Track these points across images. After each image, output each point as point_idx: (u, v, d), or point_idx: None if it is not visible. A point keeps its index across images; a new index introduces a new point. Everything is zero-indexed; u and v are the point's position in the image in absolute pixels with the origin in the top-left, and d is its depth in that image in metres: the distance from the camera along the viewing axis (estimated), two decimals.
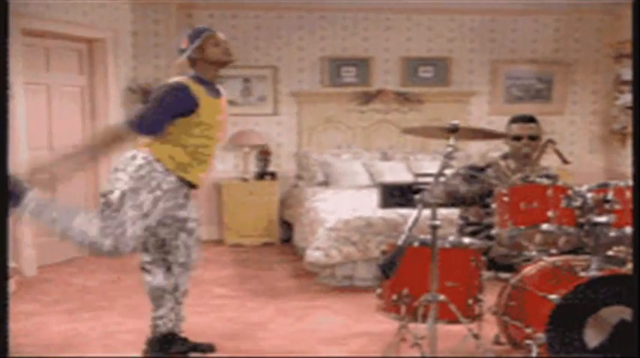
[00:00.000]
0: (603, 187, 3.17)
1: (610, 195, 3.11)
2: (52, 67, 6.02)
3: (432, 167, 6.13)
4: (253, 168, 7.19)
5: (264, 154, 7.15)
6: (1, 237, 2.84)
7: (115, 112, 6.47)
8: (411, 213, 3.05)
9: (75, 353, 3.77)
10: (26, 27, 5.48)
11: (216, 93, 3.59)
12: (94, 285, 5.32)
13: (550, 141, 7.03)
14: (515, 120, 3.95)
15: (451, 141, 3.14)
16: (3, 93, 3.06)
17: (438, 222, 3.10)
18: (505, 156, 4.02)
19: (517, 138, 3.89)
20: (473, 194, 3.86)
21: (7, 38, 3.04)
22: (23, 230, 5.52)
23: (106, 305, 4.75)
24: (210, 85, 3.55)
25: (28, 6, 5.48)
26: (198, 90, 3.45)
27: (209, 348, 3.77)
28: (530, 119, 3.94)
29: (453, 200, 3.93)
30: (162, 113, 3.44)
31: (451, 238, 3.55)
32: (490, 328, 3.61)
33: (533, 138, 3.91)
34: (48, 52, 5.97)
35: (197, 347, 3.76)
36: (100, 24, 6.28)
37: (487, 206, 3.66)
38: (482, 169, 4.00)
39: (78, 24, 6.05)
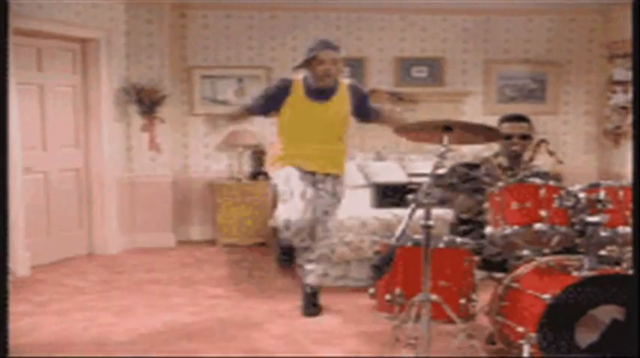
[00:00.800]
0: (596, 187, 3.19)
1: (602, 195, 3.12)
2: (45, 66, 6.00)
3: (426, 167, 6.13)
4: (247, 168, 7.18)
5: (258, 154, 7.14)
6: (1, 237, 2.83)
7: (108, 112, 6.46)
8: (404, 213, 3.05)
9: (68, 354, 3.76)
10: (19, 27, 5.45)
11: (321, 98, 4.35)
12: (87, 286, 5.30)
13: (543, 141, 7.05)
14: (506, 119, 3.98)
15: (444, 140, 3.15)
16: (3, 94, 3.05)
17: (431, 222, 3.10)
18: (497, 154, 4.05)
19: (508, 137, 3.92)
20: (468, 205, 3.87)
21: (7, 38, 3.03)
22: (16, 230, 5.50)
23: (99, 305, 4.74)
24: (317, 89, 4.32)
25: (20, 5, 5.46)
26: (297, 89, 4.33)
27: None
28: (521, 118, 3.97)
29: (449, 205, 3.95)
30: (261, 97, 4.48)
31: (444, 238, 3.55)
32: (483, 328, 3.62)
33: (524, 137, 3.94)
34: (40, 52, 5.96)
35: None
36: (93, 24, 6.26)
37: (479, 203, 3.67)
38: (476, 166, 4.01)
39: (71, 24, 6.03)
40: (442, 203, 3.88)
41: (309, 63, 4.27)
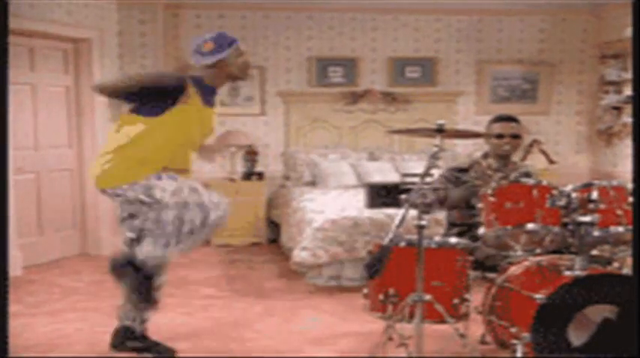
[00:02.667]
0: (588, 187, 3.20)
1: (594, 195, 3.14)
2: (37, 66, 5.98)
3: (419, 167, 6.13)
4: (240, 168, 7.18)
5: (251, 154, 7.14)
6: (1, 237, 2.82)
7: (101, 112, 6.44)
8: (397, 213, 3.06)
9: (60, 354, 3.75)
10: (11, 26, 5.42)
11: (211, 103, 3.65)
12: (80, 286, 5.29)
13: (536, 141, 7.08)
14: (497, 119, 4.01)
15: (437, 141, 3.16)
16: (3, 94, 3.04)
17: (424, 222, 3.11)
18: (486, 156, 4.07)
19: (499, 136, 3.94)
20: (461, 196, 3.89)
21: (7, 38, 3.02)
22: (8, 230, 5.47)
23: (92, 305, 4.73)
24: (210, 93, 3.61)
25: (12, 5, 5.42)
26: (193, 92, 3.50)
27: (167, 351, 3.69)
28: (512, 118, 4.00)
29: (443, 206, 3.97)
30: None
31: (437, 238, 3.56)
32: (476, 328, 3.63)
33: (515, 136, 3.96)
34: (33, 52, 5.94)
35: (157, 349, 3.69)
36: (86, 23, 6.24)
37: (472, 207, 3.69)
38: (465, 170, 4.04)
39: (63, 23, 6.01)
40: (439, 204, 3.91)
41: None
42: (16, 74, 5.66)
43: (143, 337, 3.69)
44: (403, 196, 3.13)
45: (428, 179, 3.12)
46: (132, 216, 3.61)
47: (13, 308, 4.60)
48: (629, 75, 6.80)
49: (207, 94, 3.60)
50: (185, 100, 3.45)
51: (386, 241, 2.99)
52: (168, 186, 3.47)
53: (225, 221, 3.72)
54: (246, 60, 3.64)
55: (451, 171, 4.06)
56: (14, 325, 4.24)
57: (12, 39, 5.51)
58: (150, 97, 3.41)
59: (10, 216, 5.51)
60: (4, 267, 2.84)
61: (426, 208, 3.10)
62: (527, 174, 3.94)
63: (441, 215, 4.36)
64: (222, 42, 3.58)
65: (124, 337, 3.66)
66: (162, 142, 3.48)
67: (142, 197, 3.47)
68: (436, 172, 3.65)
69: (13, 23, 5.46)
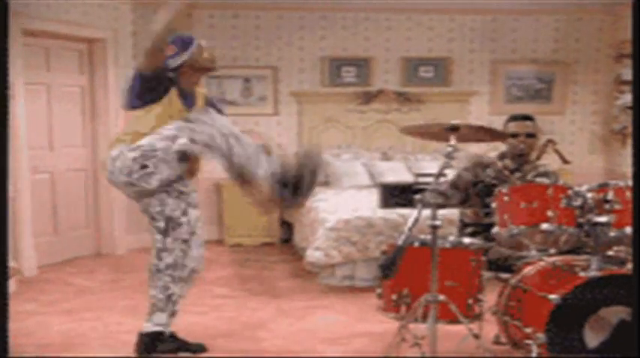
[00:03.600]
0: (603, 187, 3.18)
1: (610, 195, 3.11)
2: (52, 67, 6.02)
3: (433, 167, 6.14)
4: None
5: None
6: (1, 237, 2.83)
7: (115, 112, 6.47)
8: (411, 213, 3.05)
9: (75, 353, 3.77)
10: (26, 27, 5.48)
11: (191, 104, 3.65)
12: (94, 285, 5.32)
13: (550, 141, 7.04)
14: (513, 118, 4.00)
15: (451, 140, 3.15)
16: (3, 94, 3.06)
17: (438, 222, 3.10)
18: (502, 156, 4.04)
19: (514, 135, 3.92)
20: (475, 180, 3.90)
21: (7, 38, 3.04)
22: (23, 230, 5.52)
23: (106, 305, 4.75)
24: (189, 96, 3.64)
25: (28, 6, 5.48)
26: (173, 93, 3.56)
27: (199, 348, 3.76)
28: (527, 117, 3.98)
29: (456, 193, 3.97)
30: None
31: (451, 238, 3.55)
32: (490, 328, 3.61)
33: (530, 135, 3.94)
34: (48, 52, 5.97)
35: (187, 347, 3.74)
36: (100, 24, 6.28)
37: (487, 206, 3.67)
38: (486, 166, 4.02)
39: (78, 24, 6.05)
40: (463, 202, 3.92)
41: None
42: (31, 74, 5.71)
43: (173, 337, 3.72)
44: (416, 196, 3.12)
45: (443, 178, 3.11)
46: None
47: (27, 306, 4.64)
48: None
49: (186, 98, 3.62)
50: (165, 97, 3.53)
51: (400, 241, 2.98)
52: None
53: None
54: (209, 53, 3.69)
55: (475, 167, 4.04)
56: (29, 324, 4.27)
57: (27, 39, 5.58)
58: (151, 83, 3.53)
59: (25, 215, 5.56)
60: (5, 267, 2.86)
61: (442, 200, 3.10)
62: (547, 174, 3.91)
63: (454, 214, 4.34)
64: (182, 43, 3.66)
65: (154, 341, 3.65)
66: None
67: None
68: (451, 172, 3.66)
69: (29, 24, 5.53)
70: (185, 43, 3.64)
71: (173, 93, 3.55)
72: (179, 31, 3.74)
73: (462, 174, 4.04)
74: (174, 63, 3.61)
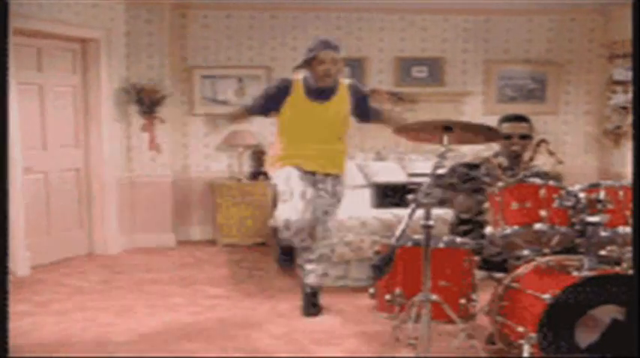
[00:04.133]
0: (596, 187, 3.19)
1: (602, 195, 3.12)
2: (45, 66, 6.00)
3: (426, 167, 6.15)
4: (247, 168, 7.18)
5: (258, 154, 7.14)
6: (2, 237, 2.83)
7: (108, 112, 6.46)
8: (404, 213, 3.05)
9: (68, 354, 3.76)
10: (18, 26, 5.45)
11: (321, 98, 4.34)
12: (87, 286, 5.30)
13: (543, 141, 7.05)
14: (506, 119, 3.99)
15: (445, 141, 3.15)
16: (3, 94, 3.05)
17: (431, 222, 3.10)
18: (497, 154, 4.05)
19: (508, 136, 3.92)
20: (466, 206, 3.86)
21: (7, 38, 3.03)
22: (16, 230, 5.50)
23: (99, 305, 4.74)
24: (317, 89, 4.30)
25: (20, 5, 5.46)
26: (297, 89, 4.31)
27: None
28: (521, 118, 3.97)
29: (448, 207, 3.96)
30: (261, 96, 4.49)
31: (444, 238, 3.56)
32: (483, 328, 3.62)
33: (524, 136, 3.94)
34: (41, 52, 5.95)
35: None
36: (93, 24, 6.26)
37: (479, 203, 3.67)
38: (476, 166, 4.02)
39: (71, 24, 6.03)
40: (442, 203, 3.89)
41: (309, 63, 4.27)
42: (23, 74, 5.69)
43: None
44: (410, 196, 3.12)
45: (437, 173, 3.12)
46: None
47: (20, 307, 4.63)
48: None
49: (312, 92, 4.31)
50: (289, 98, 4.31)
51: (393, 241, 2.98)
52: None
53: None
54: (325, 68, 4.26)
55: (461, 166, 4.03)
56: (22, 324, 4.26)
57: (20, 39, 5.56)
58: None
59: (18, 215, 5.54)
60: (5, 267, 2.85)
61: (432, 203, 3.09)
62: (541, 174, 3.90)
63: (448, 214, 4.35)
64: (313, 42, 4.31)
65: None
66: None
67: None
68: (444, 171, 3.65)
69: (21, 23, 5.51)
70: (313, 45, 4.29)
71: (298, 86, 4.36)
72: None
73: (457, 168, 4.03)
74: (306, 56, 4.34)
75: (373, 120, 4.64)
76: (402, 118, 4.82)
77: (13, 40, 5.41)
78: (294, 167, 4.35)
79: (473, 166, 4.04)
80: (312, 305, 4.44)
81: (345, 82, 4.48)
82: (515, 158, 3.97)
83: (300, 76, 4.36)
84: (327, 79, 4.25)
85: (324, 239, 4.39)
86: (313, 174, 4.41)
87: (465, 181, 3.95)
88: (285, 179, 4.32)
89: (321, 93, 4.33)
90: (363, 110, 4.54)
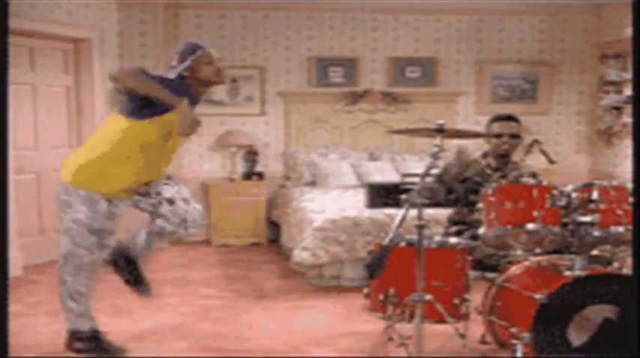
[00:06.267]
0: (588, 187, 3.20)
1: (595, 195, 3.13)
2: (38, 66, 5.98)
3: (419, 167, 6.15)
4: (240, 168, 7.18)
5: (251, 154, 7.14)
6: (1, 237, 2.82)
7: (101, 112, 6.44)
8: (397, 213, 3.05)
9: (61, 354, 3.75)
10: (11, 26, 5.41)
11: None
12: None
13: (536, 141, 7.07)
14: (496, 119, 4.00)
15: (437, 141, 3.16)
16: (3, 94, 3.04)
17: (424, 222, 3.11)
18: (485, 155, 4.05)
19: (498, 136, 3.93)
20: (456, 174, 3.88)
21: (7, 38, 3.02)
22: (8, 230, 5.47)
23: (92, 305, 4.70)
24: (194, 101, 3.43)
25: (12, 5, 5.41)
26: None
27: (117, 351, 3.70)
28: (511, 118, 3.98)
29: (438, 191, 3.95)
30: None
31: (437, 238, 3.56)
32: (476, 327, 3.62)
33: (514, 136, 3.95)
34: (33, 52, 5.93)
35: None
36: (86, 23, 6.24)
37: (472, 204, 3.68)
38: (469, 164, 4.04)
39: (63, 23, 6.01)
40: (449, 199, 3.92)
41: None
42: (16, 74, 5.66)
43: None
44: (403, 196, 3.13)
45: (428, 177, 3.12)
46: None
47: (13, 308, 4.60)
48: (629, 75, 6.80)
49: (191, 102, 3.37)
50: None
51: (386, 241, 2.98)
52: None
53: None
54: (217, 66, 3.49)
55: (460, 162, 4.06)
56: (14, 325, 4.23)
57: (12, 39, 5.50)
58: (146, 101, 3.29)
59: (11, 216, 5.52)
60: (4, 267, 2.84)
61: (429, 195, 3.11)
62: (533, 176, 3.91)
63: (441, 214, 4.35)
64: (185, 52, 3.46)
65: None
66: (139, 148, 3.41)
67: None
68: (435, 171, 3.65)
69: (13, 23, 5.46)
70: (184, 54, 3.45)
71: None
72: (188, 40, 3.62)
73: (449, 167, 4.06)
74: (174, 73, 3.43)
75: None
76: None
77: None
78: None
79: (466, 164, 4.06)
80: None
81: None
82: (503, 158, 3.98)
83: None
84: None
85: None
86: None
87: (459, 182, 3.97)
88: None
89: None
90: None
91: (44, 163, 6.09)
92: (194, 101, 3.42)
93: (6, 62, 3.04)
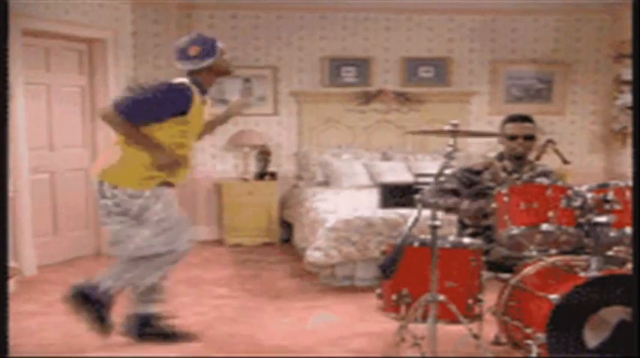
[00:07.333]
0: (603, 187, 3.17)
1: (610, 195, 3.11)
2: (52, 67, 6.02)
3: (432, 167, 6.13)
4: (253, 168, 7.19)
5: (264, 154, 7.15)
6: (1, 237, 2.83)
7: None
8: (411, 213, 3.04)
9: (75, 354, 3.77)
10: (26, 27, 5.48)
11: (204, 100, 3.83)
12: None
13: (550, 141, 7.02)
14: (511, 119, 3.89)
15: (451, 141, 3.14)
16: (3, 93, 3.06)
17: (438, 222, 3.10)
18: (500, 157, 3.94)
19: (513, 137, 3.84)
20: (474, 212, 3.78)
21: (7, 38, 3.04)
22: (23, 230, 5.52)
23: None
24: (204, 92, 3.79)
25: (27, 6, 5.48)
26: (195, 95, 3.71)
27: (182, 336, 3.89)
28: (526, 118, 3.88)
29: (452, 212, 3.90)
30: (157, 108, 3.64)
31: (451, 238, 3.55)
32: (490, 328, 3.61)
33: (529, 137, 3.85)
34: (48, 52, 5.97)
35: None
36: (100, 24, 6.28)
37: (483, 208, 3.65)
38: (478, 173, 3.93)
39: (78, 24, 6.05)
40: (448, 210, 3.86)
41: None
42: (31, 74, 5.71)
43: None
44: (416, 196, 3.11)
45: (441, 179, 3.10)
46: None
47: (27, 307, 4.64)
48: None
49: (202, 94, 3.79)
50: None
51: (399, 241, 2.98)
52: (161, 212, 3.69)
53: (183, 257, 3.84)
54: (226, 57, 3.84)
55: (463, 172, 3.95)
56: (29, 324, 4.27)
57: (27, 39, 5.58)
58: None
59: (25, 215, 5.56)
60: (5, 267, 2.86)
61: (437, 208, 3.08)
62: (546, 174, 3.86)
63: (454, 216, 4.33)
64: (207, 44, 3.72)
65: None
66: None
67: (134, 209, 3.68)
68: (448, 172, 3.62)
69: (29, 24, 5.53)
70: (209, 46, 3.71)
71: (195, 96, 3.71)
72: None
73: (458, 173, 3.96)
74: (199, 65, 3.70)
75: None
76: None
77: (20, 41, 5.44)
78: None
79: (476, 172, 3.94)
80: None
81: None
82: (518, 159, 3.89)
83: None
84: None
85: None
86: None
87: (469, 186, 3.89)
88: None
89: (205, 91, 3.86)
90: None
91: (59, 163, 6.13)
92: (204, 92, 3.78)
93: (6, 62, 3.06)
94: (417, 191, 3.15)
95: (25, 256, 5.52)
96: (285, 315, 4.48)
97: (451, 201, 3.81)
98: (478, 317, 3.35)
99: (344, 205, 5.55)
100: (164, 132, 3.66)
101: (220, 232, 7.13)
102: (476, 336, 3.24)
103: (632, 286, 2.93)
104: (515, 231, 3.20)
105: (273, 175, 7.12)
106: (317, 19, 7.24)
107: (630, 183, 3.20)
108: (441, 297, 3.12)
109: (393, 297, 3.30)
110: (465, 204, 3.77)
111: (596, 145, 7.69)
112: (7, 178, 3.12)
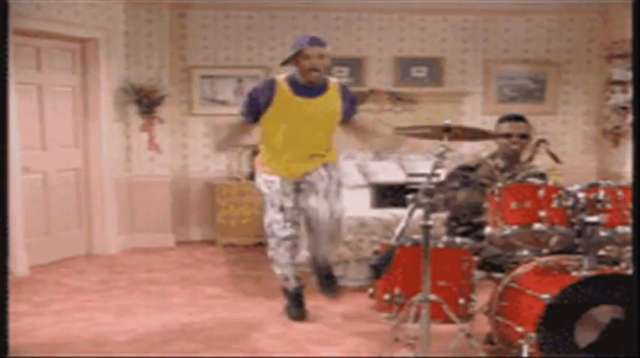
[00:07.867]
0: (595, 187, 3.19)
1: (601, 195, 3.12)
2: (44, 66, 6.00)
3: (425, 167, 6.14)
4: (245, 168, 7.18)
5: (257, 155, 7.12)
6: (1, 237, 2.82)
7: (108, 112, 6.46)
8: (403, 213, 3.05)
9: (67, 354, 3.76)
10: (18, 26, 5.45)
11: (309, 94, 4.19)
12: (87, 286, 5.30)
13: (542, 141, 7.03)
14: (505, 119, 3.98)
15: (444, 140, 3.15)
16: (3, 94, 3.04)
17: (430, 222, 3.10)
18: (493, 156, 4.03)
19: (507, 136, 3.91)
20: (468, 199, 3.83)
21: (7, 38, 3.02)
22: (15, 230, 5.49)
23: (98, 305, 4.73)
24: (304, 86, 4.17)
25: (19, 5, 5.46)
26: (283, 87, 4.16)
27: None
28: (520, 118, 3.97)
29: (450, 208, 3.93)
30: (247, 102, 4.27)
31: (443, 238, 3.56)
32: (482, 328, 3.62)
33: (523, 136, 3.93)
34: (40, 52, 5.95)
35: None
36: (93, 24, 6.26)
37: (477, 205, 3.66)
38: (473, 169, 4.00)
39: (70, 24, 6.03)
40: (445, 204, 3.88)
41: (294, 58, 4.15)
42: (22, 74, 5.69)
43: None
44: (409, 196, 3.12)
45: (435, 178, 3.10)
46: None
47: (19, 307, 4.62)
48: None
49: (299, 88, 4.18)
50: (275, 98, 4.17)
51: (392, 241, 2.98)
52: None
53: None
54: (311, 62, 4.14)
55: (459, 170, 4.01)
56: (21, 324, 4.26)
57: (19, 39, 5.55)
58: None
59: (17, 215, 5.54)
60: (5, 267, 2.84)
61: (432, 207, 3.09)
62: (541, 176, 3.89)
63: (445, 214, 4.34)
64: (294, 43, 4.25)
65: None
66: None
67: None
68: (443, 171, 3.64)
69: (20, 23, 5.50)
70: (298, 44, 4.20)
71: (282, 85, 4.24)
72: None
73: (455, 172, 4.01)
74: (292, 52, 4.25)
75: (348, 126, 4.55)
76: (373, 135, 4.84)
77: (12, 40, 5.41)
78: (278, 176, 4.33)
79: (470, 169, 4.01)
80: (298, 306, 4.46)
81: (334, 81, 4.37)
82: (512, 158, 3.95)
83: (283, 75, 4.25)
84: (314, 73, 4.10)
85: (329, 220, 4.26)
86: (297, 181, 4.34)
87: (465, 184, 3.93)
88: (267, 186, 4.42)
89: (309, 89, 4.18)
90: (349, 113, 4.42)
91: (51, 163, 6.11)
92: (304, 87, 4.20)
93: (6, 62, 3.04)
94: (409, 191, 3.15)
95: (16, 256, 5.50)
96: (278, 315, 4.48)
97: (450, 193, 3.85)
98: (470, 317, 3.36)
99: None
100: (266, 128, 4.29)
101: (213, 232, 7.12)
102: (468, 336, 3.25)
103: (623, 285, 2.94)
104: (507, 231, 3.21)
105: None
106: (310, 19, 7.24)
107: (622, 182, 3.21)
108: (434, 297, 3.12)
109: (386, 297, 3.31)
110: (462, 194, 3.81)
111: (588, 145, 7.72)
112: (7, 178, 3.10)
